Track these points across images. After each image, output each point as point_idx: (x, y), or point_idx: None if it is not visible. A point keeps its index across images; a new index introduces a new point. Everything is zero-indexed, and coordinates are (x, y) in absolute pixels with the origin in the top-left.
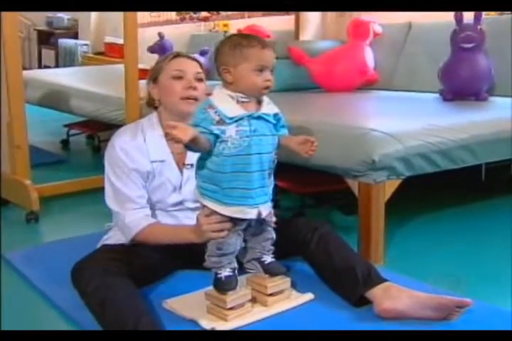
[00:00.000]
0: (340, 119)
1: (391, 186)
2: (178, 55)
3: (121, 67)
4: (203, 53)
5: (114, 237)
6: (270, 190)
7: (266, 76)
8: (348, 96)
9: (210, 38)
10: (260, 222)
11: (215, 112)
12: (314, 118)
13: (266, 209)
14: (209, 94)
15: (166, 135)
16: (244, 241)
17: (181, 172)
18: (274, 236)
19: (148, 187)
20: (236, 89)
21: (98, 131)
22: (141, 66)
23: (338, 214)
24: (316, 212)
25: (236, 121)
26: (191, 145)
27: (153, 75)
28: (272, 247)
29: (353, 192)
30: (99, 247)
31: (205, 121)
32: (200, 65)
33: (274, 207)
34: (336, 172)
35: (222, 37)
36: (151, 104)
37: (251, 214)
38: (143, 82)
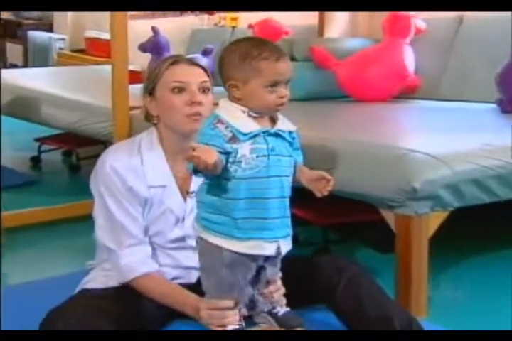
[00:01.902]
0: (373, 137)
1: (436, 219)
2: (176, 61)
3: (106, 68)
4: (206, 53)
5: (98, 279)
6: (290, 221)
7: (280, 92)
8: (382, 108)
9: (214, 34)
10: (276, 261)
11: (227, 128)
12: (340, 135)
13: (286, 245)
14: (216, 104)
15: (188, 159)
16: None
17: (185, 200)
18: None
19: (145, 216)
20: (246, 105)
21: (77, 147)
22: (131, 67)
23: (369, 252)
24: (342, 249)
25: (251, 137)
26: (208, 169)
27: (148, 86)
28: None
29: (388, 226)
30: (77, 292)
31: (215, 138)
32: (206, 71)
33: (292, 240)
34: (367, 201)
35: (230, 33)
36: (149, 120)
37: (268, 249)
38: (133, 87)
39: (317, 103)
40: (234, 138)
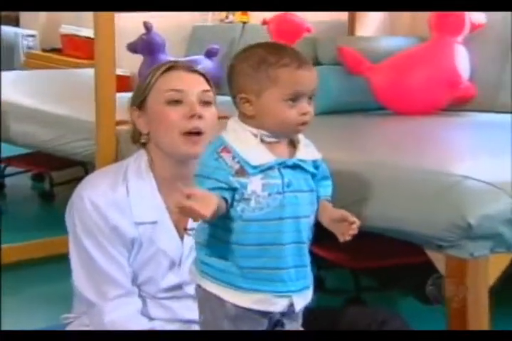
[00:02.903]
0: (416, 160)
1: (498, 263)
2: (172, 67)
3: (88, 72)
4: (210, 54)
5: None
6: (310, 272)
7: (303, 107)
8: (428, 123)
9: (221, 32)
10: (291, 318)
11: (233, 158)
12: (375, 158)
13: (302, 300)
14: (223, 117)
15: (179, 211)
16: None
17: (182, 240)
18: None
19: (132, 261)
20: (259, 125)
21: (50, 170)
22: (119, 72)
23: (413, 302)
24: (378, 299)
25: (263, 170)
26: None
27: (137, 98)
28: None
29: (437, 270)
30: None
31: (218, 172)
32: (207, 79)
33: (316, 288)
34: (410, 240)
35: (240, 31)
36: (137, 140)
37: (278, 305)
38: (121, 96)
39: (346, 117)
40: (242, 171)
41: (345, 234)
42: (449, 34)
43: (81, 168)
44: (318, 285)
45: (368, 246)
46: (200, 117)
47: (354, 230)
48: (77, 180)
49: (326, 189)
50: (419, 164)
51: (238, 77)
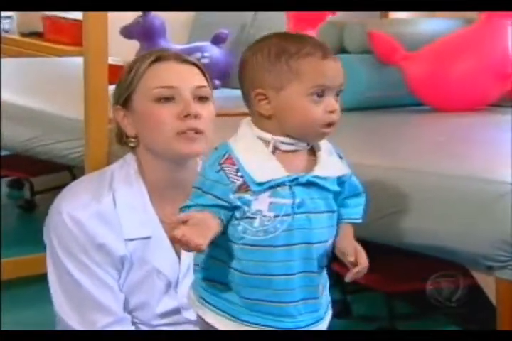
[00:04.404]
0: (461, 165)
1: None
2: (161, 57)
3: (75, 61)
4: (217, 40)
5: None
6: (324, 302)
7: (330, 104)
8: (473, 121)
9: (229, 16)
10: None
11: (237, 171)
12: (411, 164)
13: None
14: (224, 115)
15: (173, 241)
16: None
17: (179, 257)
18: None
19: (122, 284)
20: (277, 127)
21: (31, 175)
22: (110, 60)
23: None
24: (415, 327)
25: (270, 188)
26: None
27: (120, 95)
28: None
29: (485, 295)
30: None
31: (217, 186)
32: (203, 71)
33: (342, 314)
34: (452, 260)
35: (252, 15)
36: (125, 142)
37: None
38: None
39: (376, 114)
40: (245, 187)
41: (349, 274)
42: (500, 15)
43: (67, 173)
44: (345, 312)
45: (403, 266)
46: (196, 116)
47: (353, 274)
48: (63, 187)
49: (351, 210)
50: (463, 170)
51: (253, 70)
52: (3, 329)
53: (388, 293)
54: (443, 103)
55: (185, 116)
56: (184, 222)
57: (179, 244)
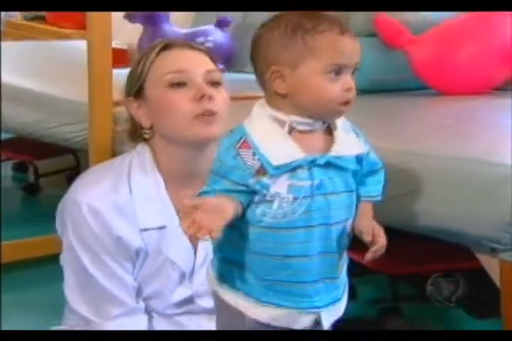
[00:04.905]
0: (467, 148)
1: None
2: (169, 45)
3: (79, 45)
4: (221, 24)
5: None
6: (342, 281)
7: (347, 82)
8: (479, 104)
9: None
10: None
11: (253, 154)
12: (418, 146)
13: (331, 315)
14: (239, 99)
15: (185, 230)
16: None
17: (195, 247)
18: None
19: (136, 274)
20: (293, 106)
21: (35, 158)
22: (114, 44)
23: (461, 315)
24: (419, 310)
25: (288, 170)
26: None
27: (132, 86)
28: None
29: (489, 278)
30: None
31: (236, 172)
32: (212, 57)
33: (348, 297)
34: (457, 242)
35: None
36: (140, 135)
37: (302, 322)
38: (118, 73)
39: (382, 98)
40: (263, 171)
41: (368, 253)
42: None
43: (71, 156)
44: (349, 294)
45: (408, 248)
46: (210, 98)
47: (371, 253)
48: (67, 170)
49: (371, 187)
50: (467, 153)
51: (268, 47)
52: (3, 310)
53: (392, 275)
54: (448, 86)
55: (200, 98)
56: (196, 209)
57: (191, 231)
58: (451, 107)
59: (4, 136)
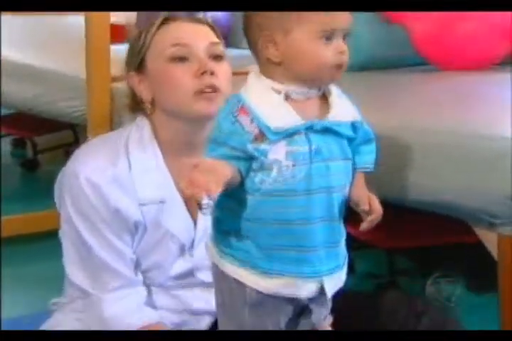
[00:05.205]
0: (465, 123)
1: None
2: (170, 18)
3: (76, 20)
4: None
5: (67, 324)
6: (342, 248)
7: (339, 45)
8: (480, 79)
9: None
10: (320, 304)
11: (252, 120)
12: (416, 122)
13: (334, 282)
14: (238, 74)
15: (184, 191)
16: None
17: (194, 220)
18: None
19: (135, 247)
20: (287, 74)
21: (34, 134)
22: (112, 20)
23: (458, 289)
24: (417, 284)
25: (286, 136)
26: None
27: (133, 60)
28: None
29: (487, 252)
30: None
31: (234, 137)
32: (215, 30)
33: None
34: (456, 216)
35: None
36: (141, 109)
37: (306, 290)
38: (117, 49)
39: (381, 74)
40: (261, 137)
41: (363, 222)
42: None
43: (70, 131)
44: (348, 269)
45: (405, 222)
46: (212, 74)
47: (368, 222)
48: (66, 145)
49: (365, 157)
50: (468, 127)
51: (259, 14)
52: (3, 284)
53: (389, 249)
54: (448, 62)
55: (202, 74)
56: (195, 167)
57: (189, 191)
58: (451, 82)
59: (2, 111)
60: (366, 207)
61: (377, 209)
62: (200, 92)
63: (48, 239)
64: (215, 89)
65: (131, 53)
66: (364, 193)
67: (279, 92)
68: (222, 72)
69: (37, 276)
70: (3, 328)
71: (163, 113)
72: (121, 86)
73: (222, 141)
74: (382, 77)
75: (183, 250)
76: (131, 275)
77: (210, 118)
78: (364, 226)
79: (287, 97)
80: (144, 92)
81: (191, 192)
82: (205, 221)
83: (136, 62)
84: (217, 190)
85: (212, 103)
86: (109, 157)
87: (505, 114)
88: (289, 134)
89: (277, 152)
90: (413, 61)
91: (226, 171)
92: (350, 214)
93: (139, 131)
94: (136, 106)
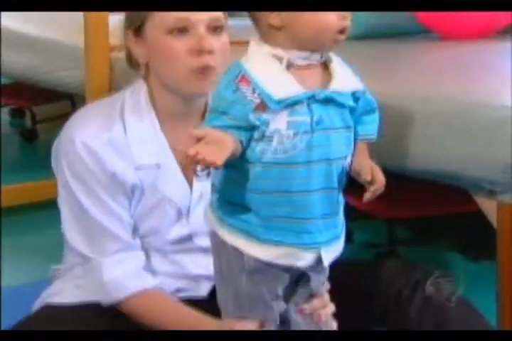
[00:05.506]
0: (466, 91)
1: None
2: None
3: None
4: None
5: (67, 291)
6: (341, 219)
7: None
8: (481, 48)
9: None
10: (317, 271)
11: (253, 90)
12: (417, 90)
13: (331, 252)
14: (238, 43)
15: (188, 160)
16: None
17: (190, 185)
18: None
19: (132, 211)
20: (289, 39)
21: (32, 104)
22: None
23: (457, 257)
24: (415, 253)
25: (288, 105)
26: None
27: (132, 21)
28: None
29: (487, 220)
30: (37, 311)
31: (236, 106)
32: None
33: (345, 241)
34: (456, 184)
35: None
36: (134, 65)
37: (304, 259)
38: (116, 18)
39: (380, 43)
40: (263, 106)
41: (366, 192)
42: None
43: (68, 101)
44: (346, 238)
45: (405, 192)
46: (210, 52)
47: (371, 192)
48: (64, 116)
49: (367, 126)
50: (468, 96)
51: None
52: (3, 253)
53: (388, 219)
54: (450, 30)
55: (200, 52)
56: (199, 140)
57: (194, 162)
58: (452, 51)
59: (1, 81)
60: (368, 178)
61: (380, 179)
62: (195, 71)
63: (47, 209)
64: (210, 69)
65: (131, 15)
66: (366, 164)
67: (280, 60)
68: (220, 46)
69: (37, 245)
70: (3, 296)
71: (158, 81)
72: (120, 56)
73: (224, 110)
74: (382, 46)
75: (180, 215)
76: (129, 239)
77: (202, 95)
78: (367, 196)
79: (289, 65)
80: (139, 54)
81: (196, 163)
82: (201, 186)
83: (136, 25)
84: (222, 162)
85: (206, 81)
86: (104, 121)
87: (506, 83)
88: (290, 104)
89: (279, 122)
90: (413, 30)
91: (230, 143)
92: (350, 185)
93: (134, 96)
94: (132, 59)
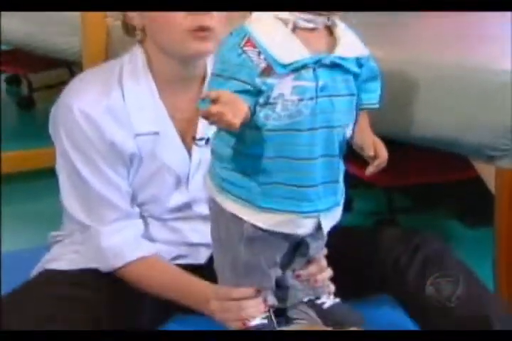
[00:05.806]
0: (465, 56)
1: None
2: None
3: None
4: None
5: (66, 257)
6: (341, 186)
7: None
8: (480, 14)
9: None
10: (316, 237)
11: (259, 54)
12: (416, 56)
13: (331, 219)
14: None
15: (205, 117)
16: (283, 267)
17: (189, 152)
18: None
19: (131, 180)
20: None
21: (29, 71)
22: None
23: (455, 224)
24: (415, 221)
25: (294, 70)
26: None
27: None
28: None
29: (485, 186)
30: (36, 276)
31: (243, 70)
32: None
33: (344, 210)
34: (454, 151)
35: None
36: (130, 33)
37: (303, 227)
38: None
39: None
40: (269, 70)
41: (369, 166)
42: None
43: (65, 69)
44: (346, 206)
45: (404, 160)
46: (207, 15)
47: (374, 167)
48: (61, 83)
49: (370, 94)
50: (466, 61)
51: None
52: (2, 221)
53: (387, 187)
54: None
55: (198, 15)
56: (213, 101)
57: (211, 121)
58: (452, 18)
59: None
60: (371, 153)
61: (383, 154)
62: (192, 31)
63: (45, 176)
64: (208, 30)
65: None
66: (369, 138)
67: (286, 22)
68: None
69: (36, 212)
70: (3, 261)
71: (155, 46)
72: (116, 23)
73: (230, 74)
74: (384, 14)
75: (179, 182)
76: (128, 208)
77: (201, 57)
78: (370, 170)
79: (295, 28)
80: (135, 19)
81: (217, 121)
82: (200, 154)
83: None
84: (238, 124)
85: (203, 42)
86: (103, 87)
87: (506, 49)
88: (296, 68)
89: (283, 87)
90: None
91: (245, 105)
92: (351, 153)
93: (132, 62)
94: (128, 26)
